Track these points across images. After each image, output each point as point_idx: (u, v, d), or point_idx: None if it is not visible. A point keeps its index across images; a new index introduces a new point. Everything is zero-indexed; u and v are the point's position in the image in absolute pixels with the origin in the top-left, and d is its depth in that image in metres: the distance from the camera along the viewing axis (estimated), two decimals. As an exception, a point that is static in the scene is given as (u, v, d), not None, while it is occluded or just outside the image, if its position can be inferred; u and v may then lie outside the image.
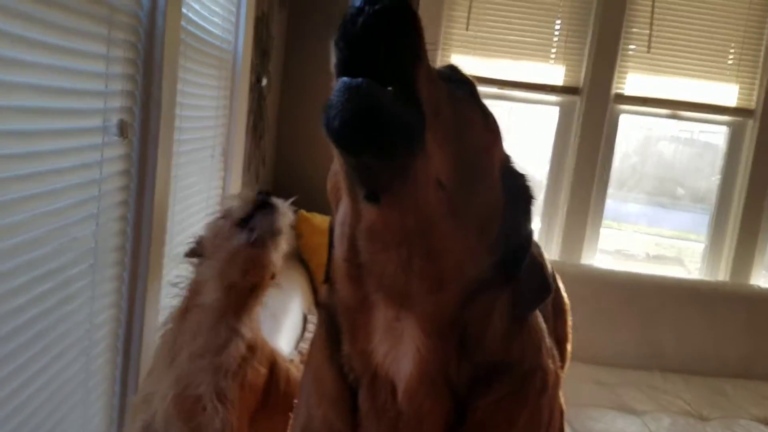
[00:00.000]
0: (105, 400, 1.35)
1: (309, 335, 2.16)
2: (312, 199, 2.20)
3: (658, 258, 3.53)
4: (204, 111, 1.85)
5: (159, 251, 1.45)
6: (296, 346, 2.01)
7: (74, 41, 1.02)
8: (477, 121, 0.76)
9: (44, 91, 0.96)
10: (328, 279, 0.90)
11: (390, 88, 0.58)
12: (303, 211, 2.68)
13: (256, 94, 2.45)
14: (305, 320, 2.30)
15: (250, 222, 1.22)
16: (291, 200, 1.32)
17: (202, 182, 1.91)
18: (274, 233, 1.23)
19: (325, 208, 2.73)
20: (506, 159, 0.84)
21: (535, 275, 0.87)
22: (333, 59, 0.60)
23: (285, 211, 1.27)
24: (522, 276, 0.81)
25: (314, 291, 2.62)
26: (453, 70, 0.78)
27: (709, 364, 2.85)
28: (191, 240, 1.35)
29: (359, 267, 0.70)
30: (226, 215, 1.26)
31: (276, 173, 3.03)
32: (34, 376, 1.03)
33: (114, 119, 1.20)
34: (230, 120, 2.11)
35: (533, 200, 0.86)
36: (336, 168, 0.74)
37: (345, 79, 0.57)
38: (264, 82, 2.55)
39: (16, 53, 0.87)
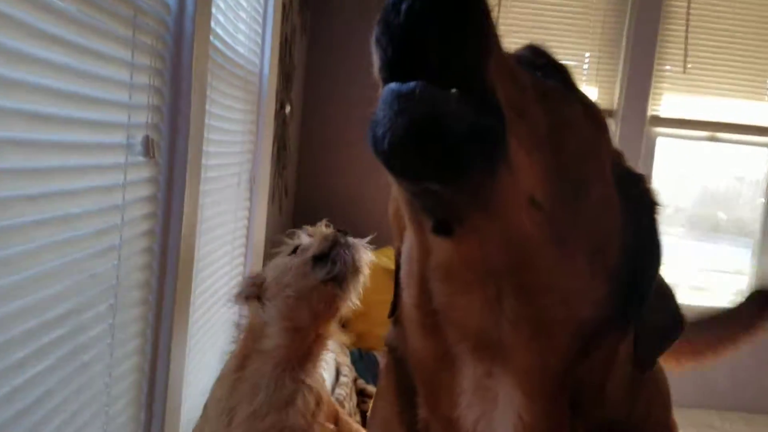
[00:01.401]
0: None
1: (344, 378, 1.97)
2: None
3: (699, 290, 3.33)
4: (230, 135, 1.70)
5: (186, 288, 1.28)
6: (332, 393, 1.82)
7: (94, 40, 0.87)
8: (576, 115, 0.60)
9: (58, 94, 0.80)
10: (394, 314, 0.74)
11: (453, 90, 0.44)
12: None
13: (280, 122, 2.31)
14: (337, 365, 2.11)
15: (328, 257, 1.11)
16: (368, 239, 1.22)
17: (228, 212, 1.76)
18: (355, 270, 1.13)
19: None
20: (617, 159, 0.67)
21: (664, 309, 0.69)
22: (376, 62, 0.46)
23: (364, 250, 1.18)
24: (646, 311, 0.64)
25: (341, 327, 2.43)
26: (536, 53, 0.62)
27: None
28: (250, 279, 1.23)
29: (434, 314, 0.56)
30: (298, 252, 1.14)
31: (297, 205, 2.88)
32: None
33: (139, 136, 1.04)
34: (256, 146, 1.97)
35: (658, 208, 0.69)
36: (396, 192, 0.59)
37: (393, 85, 0.44)
38: (287, 109, 2.42)
39: (20, 44, 0.71)
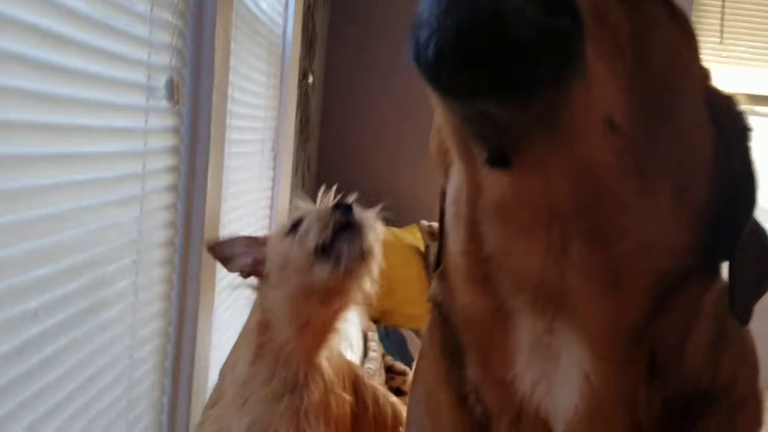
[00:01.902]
0: (150, 435, 1.09)
1: (373, 354, 1.90)
2: (366, 207, 1.97)
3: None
4: (254, 98, 1.62)
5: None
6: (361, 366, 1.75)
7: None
8: (663, 20, 0.50)
9: (78, 22, 0.72)
10: (439, 267, 0.65)
11: None
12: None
13: (302, 92, 2.23)
14: (365, 338, 2.03)
15: (332, 248, 0.95)
16: (378, 208, 1.05)
17: (253, 180, 1.68)
18: (363, 258, 0.96)
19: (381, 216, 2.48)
20: (706, 76, 0.57)
21: (759, 255, 0.59)
22: None
23: (374, 227, 1.01)
24: (738, 259, 0.54)
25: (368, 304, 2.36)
26: None
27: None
28: (238, 239, 1.09)
29: (486, 262, 0.48)
30: (298, 236, 0.98)
31: (319, 180, 2.80)
32: (61, 406, 0.78)
33: (161, 78, 0.96)
34: (279, 113, 1.89)
35: (750, 134, 0.58)
36: (439, 121, 0.50)
37: None
38: (310, 78, 2.34)
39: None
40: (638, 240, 0.46)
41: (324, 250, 0.94)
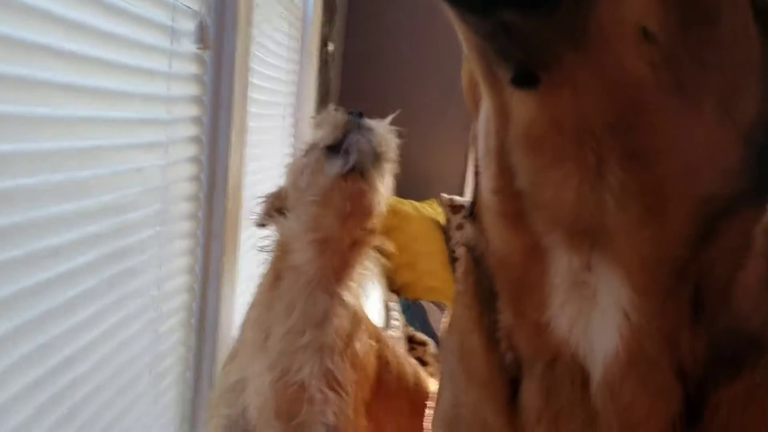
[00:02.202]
0: (176, 391, 1.07)
1: (395, 323, 1.87)
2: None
3: None
4: (276, 59, 1.58)
5: (236, 208, 1.17)
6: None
7: None
8: None
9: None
10: (473, 214, 0.61)
11: None
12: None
13: (323, 60, 2.19)
14: (387, 309, 2.01)
15: (342, 145, 0.93)
16: (391, 117, 1.01)
17: (273, 144, 1.65)
18: (376, 157, 0.93)
19: (398, 189, 2.47)
20: None
21: None
22: None
23: (386, 133, 0.97)
24: None
25: (388, 278, 2.34)
26: None
27: None
28: (267, 195, 1.06)
29: (518, 198, 0.45)
30: (310, 149, 0.97)
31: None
32: (85, 351, 0.76)
33: (187, 22, 0.93)
34: (300, 78, 1.85)
35: None
36: (466, 49, 0.46)
37: None
38: (330, 47, 2.29)
39: None
40: (680, 160, 0.42)
41: (335, 149, 0.92)
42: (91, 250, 0.74)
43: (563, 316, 0.46)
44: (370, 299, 1.85)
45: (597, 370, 0.46)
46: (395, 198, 2.47)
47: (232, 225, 1.15)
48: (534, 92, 0.38)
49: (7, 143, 0.58)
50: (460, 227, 2.42)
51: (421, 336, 2.00)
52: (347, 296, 0.96)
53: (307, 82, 1.89)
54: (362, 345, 0.97)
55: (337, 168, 0.91)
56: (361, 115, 0.96)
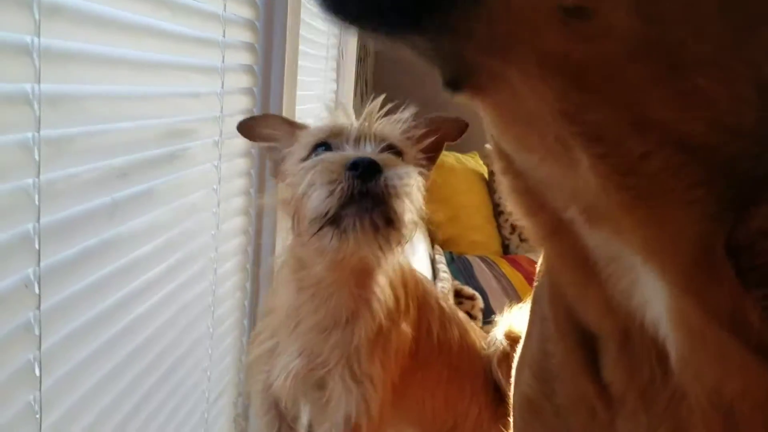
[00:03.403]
0: (233, 336, 1.02)
1: (444, 275, 1.81)
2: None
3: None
4: (318, 36, 1.49)
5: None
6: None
7: None
8: None
9: None
10: None
11: None
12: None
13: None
14: (433, 262, 1.94)
15: (339, 219, 0.72)
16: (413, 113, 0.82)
17: (317, 86, 1.57)
18: (378, 229, 0.73)
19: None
20: None
21: None
22: None
23: (399, 191, 0.73)
24: None
25: (431, 231, 2.27)
26: None
27: None
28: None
29: (523, 176, 0.42)
30: (300, 198, 0.75)
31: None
32: (149, 284, 0.70)
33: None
34: (339, 63, 1.76)
35: None
36: None
37: None
38: None
39: None
40: (663, 131, 0.34)
41: (330, 220, 0.73)
42: (154, 171, 0.68)
43: (618, 288, 0.41)
44: (417, 253, 1.79)
45: (672, 348, 0.40)
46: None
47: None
48: (470, 94, 0.34)
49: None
50: (504, 179, 2.33)
51: (469, 290, 1.93)
52: (374, 296, 0.84)
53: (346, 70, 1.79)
54: (396, 332, 0.88)
55: (326, 244, 0.74)
56: (372, 169, 0.72)
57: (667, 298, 0.38)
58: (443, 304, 1.04)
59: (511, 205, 0.45)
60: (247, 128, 0.87)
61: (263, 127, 0.88)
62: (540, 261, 0.63)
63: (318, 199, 0.72)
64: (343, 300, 0.83)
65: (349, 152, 0.76)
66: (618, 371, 0.44)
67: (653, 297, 0.39)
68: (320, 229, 0.73)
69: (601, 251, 0.41)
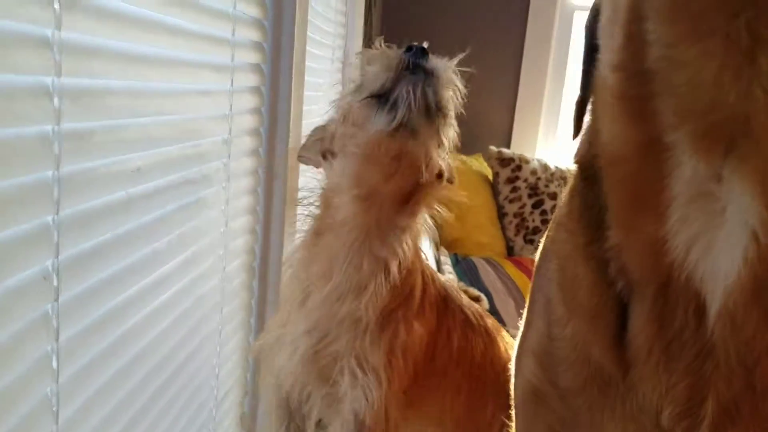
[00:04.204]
0: (240, 336, 1.02)
1: (450, 277, 1.81)
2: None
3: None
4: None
5: (297, 143, 1.11)
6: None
7: None
8: None
9: None
10: (580, 122, 0.54)
11: None
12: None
13: (367, 4, 2.09)
14: (438, 263, 1.94)
15: (393, 94, 0.77)
16: (458, 59, 0.83)
17: (323, 87, 1.57)
18: (432, 111, 0.78)
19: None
20: None
21: None
22: None
23: (448, 78, 0.80)
24: None
25: (437, 232, 2.27)
26: None
27: None
28: (314, 129, 0.96)
29: (644, 77, 0.37)
30: (360, 88, 0.81)
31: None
32: (162, 280, 0.70)
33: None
34: (348, 19, 1.76)
35: None
36: None
37: None
38: (373, -9, 2.19)
39: None
40: None
41: (385, 97, 0.77)
42: (167, 168, 0.69)
43: (682, 231, 0.39)
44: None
45: (715, 298, 0.40)
46: (441, 151, 2.41)
47: (293, 166, 1.08)
48: None
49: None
50: (508, 181, 2.34)
51: (474, 291, 1.93)
52: (394, 261, 0.83)
53: (355, 26, 1.80)
54: (408, 329, 0.85)
55: (382, 123, 0.76)
56: (422, 52, 0.78)
57: (750, 240, 0.37)
58: (468, 311, 1.00)
59: (605, 112, 0.42)
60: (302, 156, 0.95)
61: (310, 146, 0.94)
62: (539, 250, 0.62)
63: (375, 76, 0.78)
64: (362, 256, 0.81)
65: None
66: (649, 323, 0.44)
67: (725, 243, 0.38)
68: (371, 106, 0.77)
69: (691, 186, 0.38)
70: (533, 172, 2.31)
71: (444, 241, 2.24)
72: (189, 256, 0.77)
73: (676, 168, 0.38)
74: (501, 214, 2.38)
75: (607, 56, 0.40)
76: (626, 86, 0.38)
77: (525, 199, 2.31)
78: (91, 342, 0.56)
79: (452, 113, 0.81)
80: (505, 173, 2.35)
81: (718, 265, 0.39)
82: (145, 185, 0.63)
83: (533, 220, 2.30)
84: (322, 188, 0.89)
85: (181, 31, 0.70)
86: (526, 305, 0.62)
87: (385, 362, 0.83)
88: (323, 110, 1.48)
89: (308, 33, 1.17)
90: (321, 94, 1.55)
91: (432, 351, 0.91)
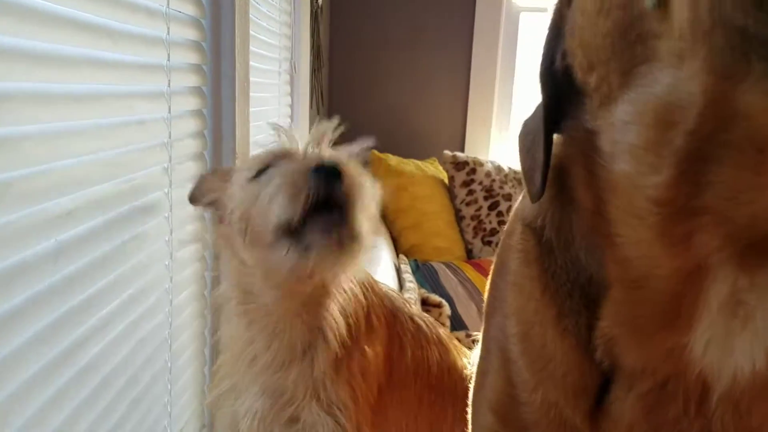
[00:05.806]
0: (193, 368, 0.98)
1: (410, 285, 1.80)
2: (382, 140, 1.80)
3: None
4: (269, 8, 1.46)
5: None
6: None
7: None
8: None
9: None
10: (543, 191, 0.50)
11: None
12: (375, 152, 2.31)
13: (313, 12, 2.06)
14: (399, 272, 1.93)
15: (302, 231, 0.70)
16: (365, 146, 0.80)
17: (272, 101, 1.54)
18: (343, 246, 0.72)
19: (397, 149, 2.37)
20: None
21: None
22: None
23: (365, 201, 0.74)
24: None
25: (395, 240, 2.26)
26: None
27: None
28: (201, 180, 0.87)
29: (694, 213, 0.34)
30: (262, 209, 0.72)
31: (331, 112, 2.65)
32: (100, 324, 0.67)
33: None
34: (294, 29, 1.73)
35: None
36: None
37: None
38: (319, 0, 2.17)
39: None
40: None
41: (291, 231, 0.70)
42: (103, 211, 0.65)
43: (705, 335, 0.39)
44: (381, 263, 1.77)
45: (723, 388, 0.40)
46: (397, 158, 2.39)
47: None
48: None
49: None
50: (464, 184, 2.34)
51: (435, 298, 1.93)
52: (330, 321, 0.81)
53: (301, 37, 1.77)
54: (360, 356, 0.84)
55: (288, 261, 0.70)
56: (334, 174, 0.70)
57: None
58: (419, 321, 1.00)
59: (635, 245, 0.39)
60: (195, 198, 0.86)
61: (204, 190, 0.85)
62: (486, 297, 0.60)
63: (280, 206, 0.69)
64: (296, 332, 0.80)
65: (312, 155, 0.75)
66: (638, 404, 0.43)
67: (751, 341, 0.38)
68: (279, 240, 0.70)
69: (724, 298, 0.37)
70: (488, 175, 2.32)
71: (402, 248, 2.23)
72: (131, 295, 0.73)
73: (713, 284, 0.37)
74: (458, 218, 2.38)
75: (645, 189, 0.36)
76: (671, 222, 0.36)
77: (481, 201, 2.32)
78: (29, 399, 0.53)
79: (366, 237, 0.75)
80: (460, 177, 2.35)
81: (734, 361, 0.39)
82: (77, 229, 0.60)
83: (490, 222, 2.31)
84: (233, 269, 0.83)
85: (110, 63, 0.66)
86: (480, 343, 0.60)
87: (350, 393, 0.82)
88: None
89: (252, 48, 1.14)
90: (270, 108, 1.52)
91: (389, 365, 0.91)
